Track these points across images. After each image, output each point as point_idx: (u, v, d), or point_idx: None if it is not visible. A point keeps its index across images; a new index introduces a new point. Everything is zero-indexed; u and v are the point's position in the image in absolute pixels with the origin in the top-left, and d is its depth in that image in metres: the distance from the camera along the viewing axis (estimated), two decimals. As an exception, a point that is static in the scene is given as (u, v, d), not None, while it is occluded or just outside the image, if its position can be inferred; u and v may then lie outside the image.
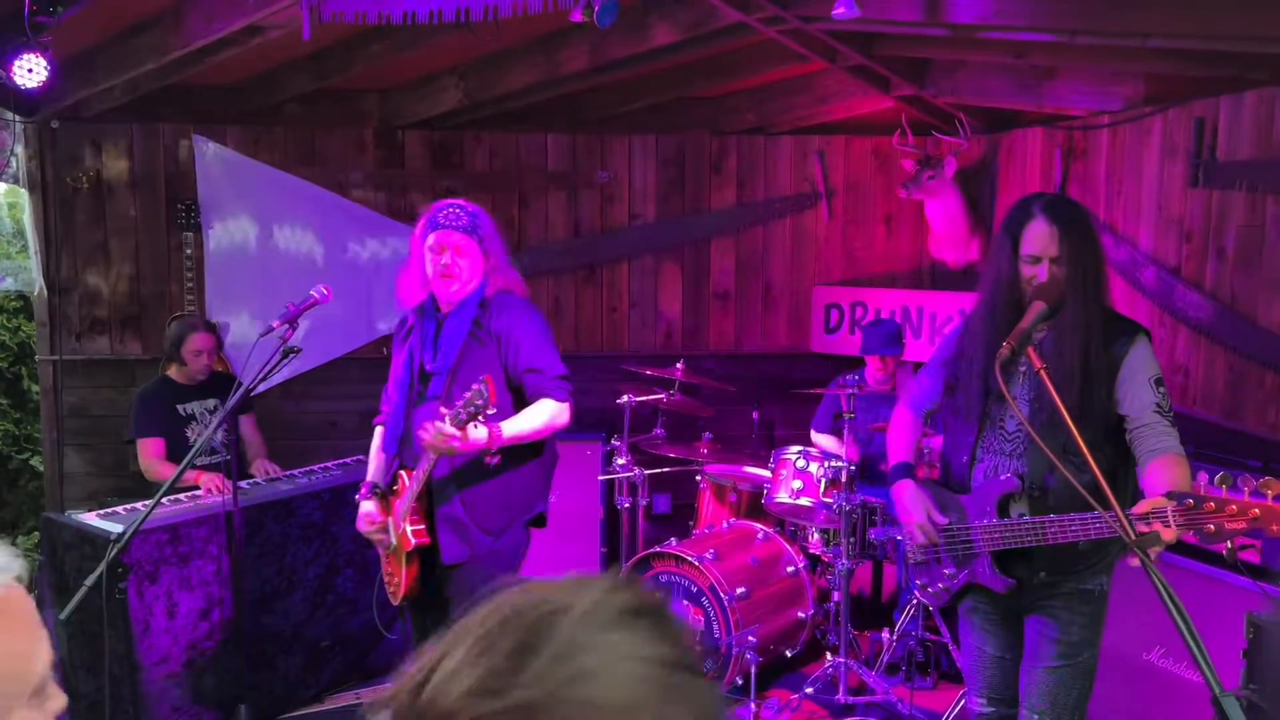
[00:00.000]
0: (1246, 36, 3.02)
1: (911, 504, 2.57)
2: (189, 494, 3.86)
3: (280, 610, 3.80)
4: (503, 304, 2.92)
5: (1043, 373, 2.11)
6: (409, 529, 2.90)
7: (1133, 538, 1.79)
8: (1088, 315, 2.30)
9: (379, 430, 3.18)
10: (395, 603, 3.06)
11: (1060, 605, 2.43)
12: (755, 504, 4.36)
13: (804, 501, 4.06)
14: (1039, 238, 2.33)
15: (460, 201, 2.95)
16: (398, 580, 3.01)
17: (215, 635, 3.58)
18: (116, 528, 3.28)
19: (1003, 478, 2.42)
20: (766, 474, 4.34)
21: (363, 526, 3.05)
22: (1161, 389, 2.33)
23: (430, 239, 2.89)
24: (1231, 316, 3.60)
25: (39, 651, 0.85)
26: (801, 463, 4.10)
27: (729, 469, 4.69)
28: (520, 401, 2.89)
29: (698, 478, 4.62)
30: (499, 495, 2.91)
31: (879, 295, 5.37)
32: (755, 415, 5.17)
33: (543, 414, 2.84)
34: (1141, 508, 2.04)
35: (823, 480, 4.03)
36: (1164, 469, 2.22)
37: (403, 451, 2.97)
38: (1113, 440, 2.32)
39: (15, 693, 0.82)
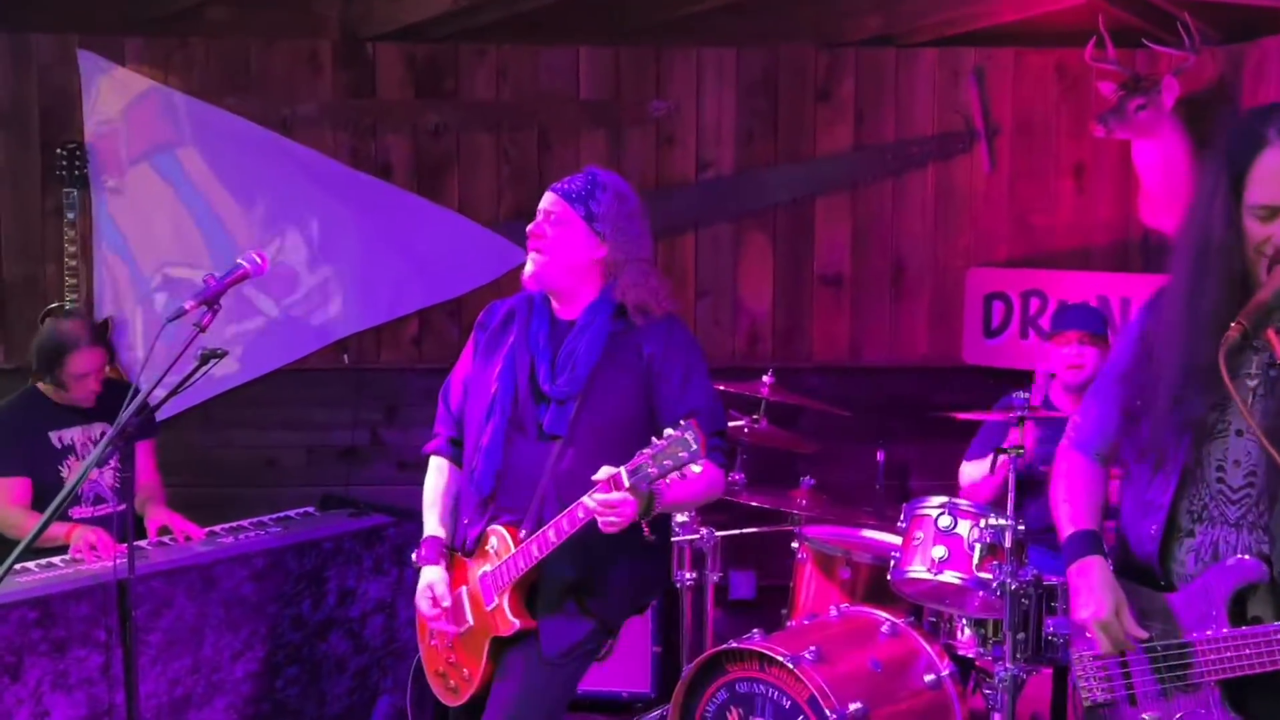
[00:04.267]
0: None
1: (1099, 592, 2.44)
2: (66, 557, 3.95)
3: (194, 725, 3.87)
4: (657, 327, 3.11)
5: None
6: (506, 605, 3.02)
7: None
8: None
9: (439, 465, 3.33)
10: (455, 703, 3.20)
11: None
12: (880, 583, 4.32)
13: (950, 578, 4.02)
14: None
15: (600, 170, 3.17)
16: (468, 673, 3.15)
17: (102, 758, 3.65)
18: (-35, 599, 3.36)
19: (1232, 561, 2.30)
20: (895, 539, 4.30)
21: (424, 605, 3.17)
22: None
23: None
24: None
25: None
26: (947, 521, 4.06)
27: (840, 532, 4.65)
28: None
29: (794, 544, 4.61)
30: (627, 573, 3.07)
31: (1064, 280, 5.33)
32: (880, 455, 5.14)
33: (704, 480, 2.97)
34: None
35: (978, 546, 3.99)
36: None
37: (498, 498, 3.11)
38: None
39: None
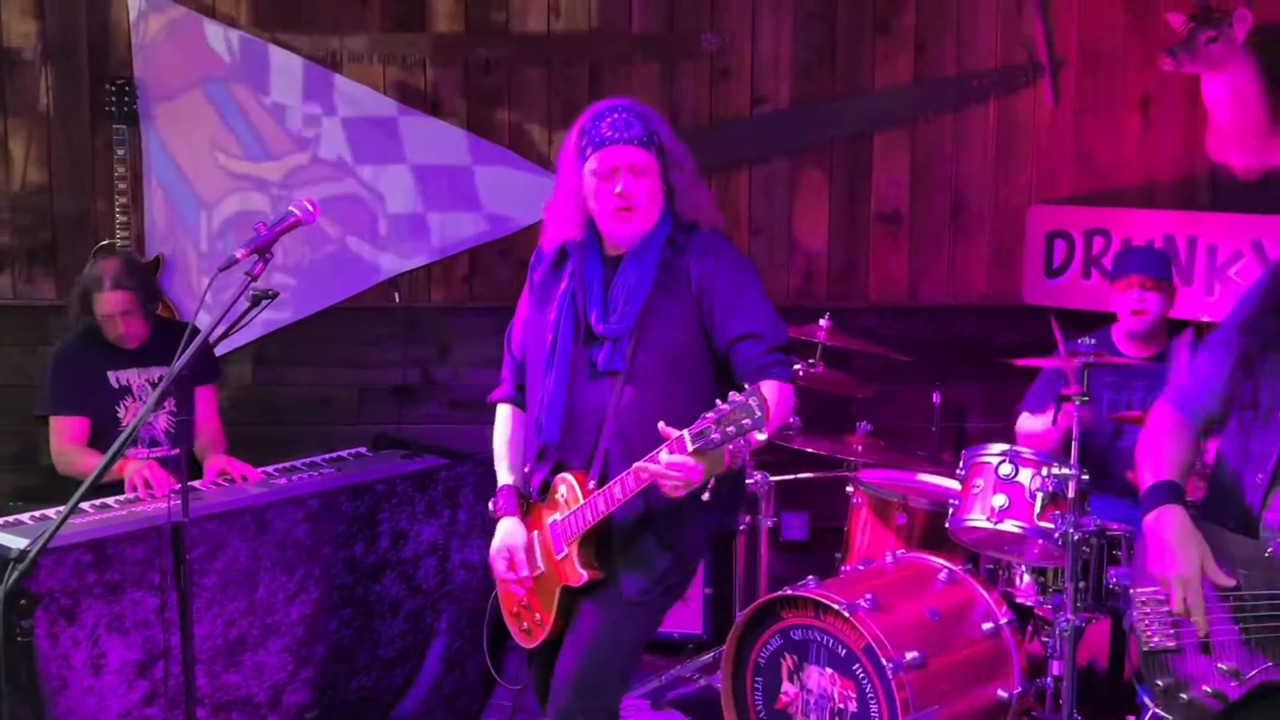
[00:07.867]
0: None
1: (1180, 544, 2.45)
2: (120, 499, 3.98)
3: (251, 666, 3.90)
4: (702, 243, 3.12)
5: None
6: (575, 556, 3.09)
7: None
8: None
9: (507, 413, 3.41)
10: (530, 645, 3.33)
11: None
12: (936, 529, 4.32)
13: (1010, 526, 4.01)
14: None
15: (623, 101, 3.12)
16: (540, 618, 3.25)
17: (159, 699, 3.68)
18: (20, 542, 3.38)
19: None
20: (954, 485, 4.29)
21: (500, 566, 3.26)
22: None
23: (593, 160, 3.06)
24: None
25: None
26: (1007, 469, 4.04)
27: (896, 476, 4.64)
28: (722, 378, 3.08)
29: (849, 488, 4.60)
30: (699, 507, 3.09)
31: (1130, 218, 5.26)
32: (937, 398, 5.11)
33: (780, 410, 2.99)
34: None
35: (1039, 495, 3.97)
36: None
37: (563, 444, 3.17)
38: None
39: None
